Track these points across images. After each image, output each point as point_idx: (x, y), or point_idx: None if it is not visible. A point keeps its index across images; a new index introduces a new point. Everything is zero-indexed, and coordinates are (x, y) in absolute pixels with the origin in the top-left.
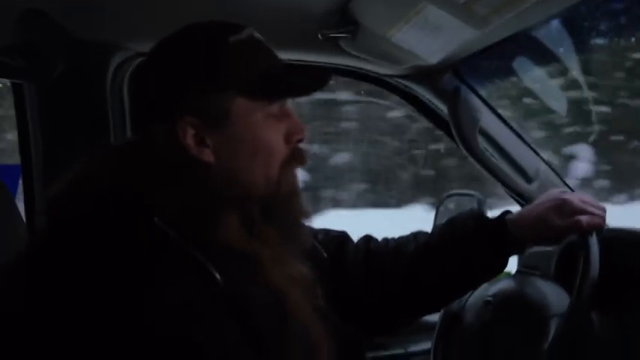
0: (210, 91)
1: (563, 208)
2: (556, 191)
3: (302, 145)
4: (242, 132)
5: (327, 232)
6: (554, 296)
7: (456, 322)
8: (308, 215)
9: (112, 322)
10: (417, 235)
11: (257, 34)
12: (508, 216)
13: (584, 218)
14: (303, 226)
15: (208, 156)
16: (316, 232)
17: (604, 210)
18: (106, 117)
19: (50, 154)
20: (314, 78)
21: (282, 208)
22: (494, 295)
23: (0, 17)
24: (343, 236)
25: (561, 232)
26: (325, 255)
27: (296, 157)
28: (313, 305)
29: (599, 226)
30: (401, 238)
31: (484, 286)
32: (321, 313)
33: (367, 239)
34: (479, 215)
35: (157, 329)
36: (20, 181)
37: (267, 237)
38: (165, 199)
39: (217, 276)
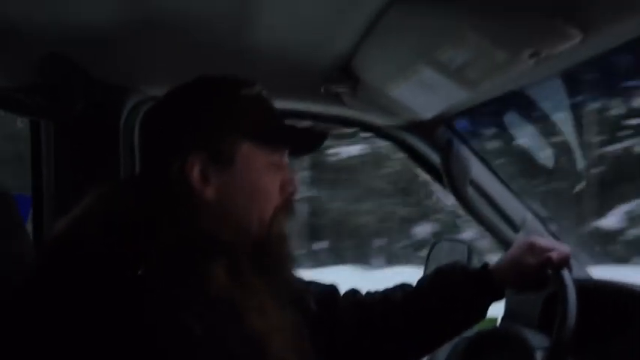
0: (223, 133)
1: (534, 248)
2: (523, 236)
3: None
4: (244, 174)
5: (317, 285)
6: (538, 338)
7: None
8: (294, 260)
9: None
10: (403, 286)
11: (265, 92)
12: (489, 266)
13: (553, 254)
14: (292, 270)
15: (210, 193)
16: (307, 284)
17: (568, 249)
18: (117, 156)
19: (61, 188)
20: (312, 137)
21: (272, 253)
22: (476, 336)
23: (23, 59)
24: (333, 289)
25: (535, 270)
26: (315, 307)
27: (287, 207)
28: (297, 352)
29: (567, 260)
30: (387, 290)
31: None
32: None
33: (354, 292)
34: (464, 266)
35: None
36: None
37: (255, 287)
38: (158, 239)
39: (196, 328)
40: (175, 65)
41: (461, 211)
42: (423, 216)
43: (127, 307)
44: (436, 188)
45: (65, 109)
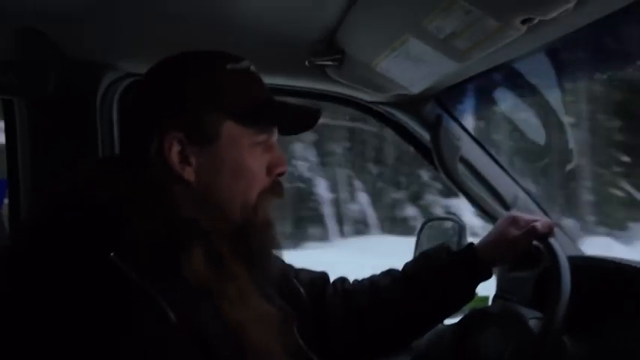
0: (202, 111)
1: (518, 221)
2: (506, 213)
3: (281, 179)
4: (227, 154)
5: (308, 272)
6: (531, 312)
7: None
8: (279, 246)
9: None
10: (390, 271)
11: (253, 67)
12: (475, 245)
13: (537, 224)
14: (274, 256)
15: (189, 174)
16: (298, 272)
17: (551, 220)
18: (95, 135)
19: (38, 169)
20: (304, 115)
21: (255, 237)
22: (467, 315)
23: None
24: (324, 277)
25: (521, 242)
26: (305, 294)
27: (274, 189)
28: (284, 342)
29: (551, 229)
30: (374, 276)
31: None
32: (294, 350)
33: (342, 280)
34: (448, 248)
35: None
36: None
37: (235, 275)
38: (134, 222)
39: (171, 314)
40: (154, 40)
41: None
42: None
43: (97, 291)
44: None
45: (38, 86)
